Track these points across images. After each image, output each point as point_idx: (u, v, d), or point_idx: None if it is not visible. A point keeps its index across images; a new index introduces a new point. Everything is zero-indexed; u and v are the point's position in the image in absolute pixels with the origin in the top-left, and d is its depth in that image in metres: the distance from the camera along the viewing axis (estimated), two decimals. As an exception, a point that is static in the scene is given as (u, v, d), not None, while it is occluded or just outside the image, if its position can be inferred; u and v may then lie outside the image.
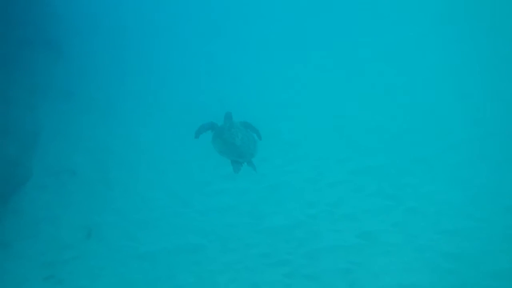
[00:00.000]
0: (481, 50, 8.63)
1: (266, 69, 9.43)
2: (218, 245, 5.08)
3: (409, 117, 7.00)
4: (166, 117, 8.22)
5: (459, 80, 7.82)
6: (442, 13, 10.15)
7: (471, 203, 5.07)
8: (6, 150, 6.49)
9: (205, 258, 4.93)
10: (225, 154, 4.99)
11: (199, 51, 10.93)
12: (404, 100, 7.52)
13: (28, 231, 5.48)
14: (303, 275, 4.54)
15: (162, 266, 4.88)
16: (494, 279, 4.16)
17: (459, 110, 7.05)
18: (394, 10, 10.90)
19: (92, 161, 6.79)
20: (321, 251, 4.77)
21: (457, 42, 9.04)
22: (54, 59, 10.03)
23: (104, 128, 7.67)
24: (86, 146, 7.13)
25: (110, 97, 8.78)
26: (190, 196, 5.91)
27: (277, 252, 4.88)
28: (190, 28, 12.23)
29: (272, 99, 8.34)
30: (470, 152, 6.03)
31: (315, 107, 7.89)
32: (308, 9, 12.00)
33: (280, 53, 10.13)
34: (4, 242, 5.35)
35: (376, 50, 9.41)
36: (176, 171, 6.50)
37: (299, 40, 10.53)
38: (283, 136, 7.15)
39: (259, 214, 5.45)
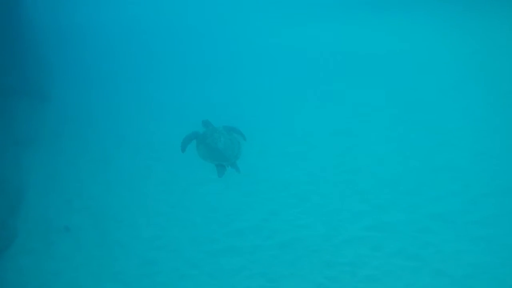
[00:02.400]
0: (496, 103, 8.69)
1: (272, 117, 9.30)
2: (231, 313, 4.66)
3: (425, 170, 6.80)
4: (165, 168, 7.87)
5: (476, 132, 7.74)
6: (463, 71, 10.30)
7: (501, 265, 4.79)
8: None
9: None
10: (209, 159, 5.13)
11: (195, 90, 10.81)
12: (419, 152, 7.35)
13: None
14: None
15: None
16: None
17: (477, 164, 6.90)
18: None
19: (87, 218, 6.33)
20: (346, 319, 4.41)
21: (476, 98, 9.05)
22: (41, 108, 9.65)
23: (99, 181, 7.25)
24: (79, 202, 6.68)
25: (105, 146, 8.41)
26: (197, 256, 5.47)
27: (297, 322, 4.49)
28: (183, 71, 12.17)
29: (277, 149, 8.10)
30: (491, 207, 5.80)
31: (324, 158, 7.66)
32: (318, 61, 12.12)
33: (284, 99, 10.10)
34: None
35: (390, 97, 9.37)
36: (179, 228, 6.08)
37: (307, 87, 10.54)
38: (291, 189, 6.85)
39: (273, 276, 5.04)
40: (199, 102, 9.99)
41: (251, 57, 12.77)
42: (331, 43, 13.46)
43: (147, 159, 8.15)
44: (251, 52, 13.04)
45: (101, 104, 10.33)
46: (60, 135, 8.94)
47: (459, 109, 8.56)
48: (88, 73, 11.65)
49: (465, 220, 5.60)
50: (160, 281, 5.11)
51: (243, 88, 10.65)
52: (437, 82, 9.40)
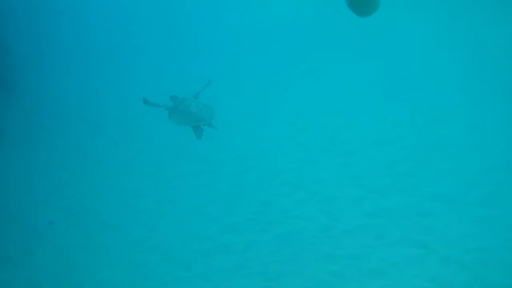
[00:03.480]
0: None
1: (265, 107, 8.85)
2: (230, 317, 4.36)
3: (420, 148, 6.54)
4: (148, 159, 7.42)
5: (469, 106, 7.49)
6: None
7: (508, 248, 4.60)
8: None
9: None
10: (185, 123, 5.31)
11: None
12: (412, 130, 7.08)
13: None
14: None
15: None
16: None
17: (472, 139, 6.68)
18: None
19: (67, 220, 5.85)
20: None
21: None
22: (5, 100, 8.96)
23: (78, 177, 6.76)
24: (57, 202, 6.19)
25: (81, 139, 7.86)
26: (190, 256, 5.09)
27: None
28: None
29: (264, 134, 7.73)
30: (491, 185, 5.59)
31: (314, 141, 7.34)
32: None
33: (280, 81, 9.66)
34: None
35: (376, 72, 9.02)
36: (167, 226, 5.69)
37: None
38: (283, 177, 6.52)
39: (273, 275, 4.72)
40: (181, 87, 9.43)
41: (227, 39, 12.19)
42: (309, 17, 12.95)
43: (128, 151, 7.68)
44: (228, 34, 12.45)
45: (73, 93, 9.71)
46: (29, 129, 8.35)
47: (449, 82, 8.33)
48: (56, 59, 10.89)
49: (466, 201, 5.38)
50: (151, 286, 4.74)
51: (223, 71, 10.15)
52: (424, 54, 9.11)
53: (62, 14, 12.31)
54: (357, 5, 2.50)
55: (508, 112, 7.15)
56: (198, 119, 5.28)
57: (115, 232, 5.69)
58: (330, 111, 8.19)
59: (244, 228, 5.47)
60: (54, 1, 12.83)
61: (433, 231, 4.96)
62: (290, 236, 5.24)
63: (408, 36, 9.63)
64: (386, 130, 7.18)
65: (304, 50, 10.36)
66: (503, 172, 5.81)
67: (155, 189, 6.60)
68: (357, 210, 5.50)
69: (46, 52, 11.02)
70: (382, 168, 6.29)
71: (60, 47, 11.19)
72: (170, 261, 5.06)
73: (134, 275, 4.94)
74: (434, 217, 5.19)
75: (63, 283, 4.91)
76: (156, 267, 5.00)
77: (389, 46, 9.46)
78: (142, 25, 13.03)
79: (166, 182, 6.78)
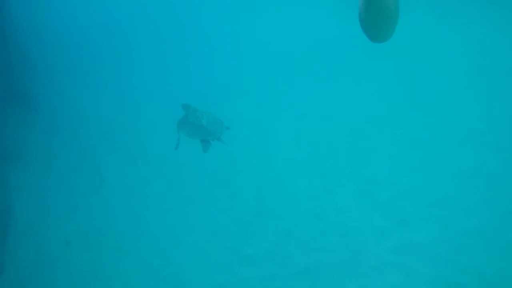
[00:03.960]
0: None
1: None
2: None
3: (450, 177, 6.18)
4: (163, 180, 7.24)
5: (500, 133, 7.10)
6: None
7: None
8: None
9: None
10: (194, 136, 5.27)
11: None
12: (440, 156, 6.72)
13: None
14: None
15: None
16: None
17: (507, 169, 6.30)
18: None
19: (82, 246, 5.69)
20: None
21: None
22: (29, 118, 8.94)
23: (94, 200, 6.61)
24: (73, 227, 6.04)
25: (99, 158, 7.74)
26: (206, 289, 4.88)
27: None
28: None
29: (283, 156, 7.48)
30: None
31: (336, 166, 7.05)
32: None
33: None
34: None
35: (397, 92, 8.68)
36: (184, 255, 5.47)
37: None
38: (304, 204, 6.26)
39: (294, 313, 4.45)
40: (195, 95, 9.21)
41: (248, 57, 12.05)
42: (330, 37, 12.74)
43: (144, 172, 7.51)
44: (249, 52, 12.32)
45: (93, 111, 9.61)
46: (50, 148, 8.25)
47: (476, 106, 7.93)
48: (78, 77, 10.90)
49: (504, 237, 5.02)
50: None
51: (242, 90, 9.97)
52: (456, 75, 8.69)
53: (87, 31, 12.41)
54: (372, 30, 2.26)
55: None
56: (208, 133, 5.24)
57: (130, 259, 5.51)
58: (352, 134, 7.89)
59: (263, 260, 5.23)
60: (78, 19, 12.97)
61: (467, 270, 4.62)
62: (312, 271, 4.97)
63: (436, 56, 9.29)
64: (413, 156, 6.84)
65: (325, 71, 10.13)
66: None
67: (171, 214, 6.40)
68: (383, 244, 5.19)
69: (70, 68, 11.05)
70: (409, 197, 5.96)
71: (85, 62, 11.23)
72: (185, 294, 4.84)
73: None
74: (468, 254, 4.85)
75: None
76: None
77: (416, 66, 9.14)
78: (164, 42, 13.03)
79: (183, 206, 6.58)
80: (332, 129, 8.25)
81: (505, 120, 7.23)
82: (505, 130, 7.02)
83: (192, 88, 10.39)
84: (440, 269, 4.68)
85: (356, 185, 6.55)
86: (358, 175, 6.81)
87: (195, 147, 8.19)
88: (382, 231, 5.41)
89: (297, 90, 9.80)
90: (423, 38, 10.88)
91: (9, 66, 9.51)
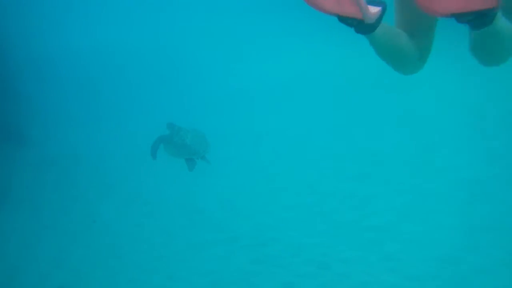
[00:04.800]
0: None
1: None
2: None
3: (463, 229, 5.84)
4: (158, 225, 6.88)
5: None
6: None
7: None
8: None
9: None
10: (178, 155, 5.29)
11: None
12: (455, 208, 6.37)
13: None
14: None
15: None
16: None
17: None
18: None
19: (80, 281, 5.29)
20: None
21: None
22: (18, 155, 8.62)
23: (82, 250, 6.23)
24: (61, 278, 5.64)
25: (90, 200, 7.40)
26: None
27: None
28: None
29: (282, 203, 7.17)
30: None
31: (340, 211, 6.72)
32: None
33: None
34: None
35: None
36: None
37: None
38: (305, 253, 5.92)
39: None
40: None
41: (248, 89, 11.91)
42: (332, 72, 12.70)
43: (138, 215, 7.16)
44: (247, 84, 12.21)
45: (86, 147, 9.33)
46: (39, 189, 7.92)
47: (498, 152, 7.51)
48: (72, 113, 10.64)
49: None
50: None
51: (239, 124, 9.74)
52: (465, 116, 8.44)
53: (82, 66, 12.28)
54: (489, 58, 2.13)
55: None
56: (192, 152, 5.23)
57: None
58: (356, 176, 7.62)
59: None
60: (73, 53, 12.87)
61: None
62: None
63: (444, 96, 9.10)
64: (421, 203, 6.55)
65: (327, 108, 9.96)
66: None
67: (165, 262, 6.03)
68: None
69: (64, 103, 10.81)
70: (418, 250, 5.63)
71: (79, 98, 11.00)
72: None
73: None
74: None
75: None
76: None
77: (423, 105, 8.97)
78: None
79: (178, 253, 6.22)
80: (334, 170, 8.00)
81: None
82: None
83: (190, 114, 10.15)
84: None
85: (360, 232, 6.24)
86: (362, 221, 6.51)
87: (191, 185, 7.89)
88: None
89: (298, 128, 9.59)
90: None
91: (1, 99, 9.27)
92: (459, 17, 1.45)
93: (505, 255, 5.22)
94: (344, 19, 1.59)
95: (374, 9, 1.63)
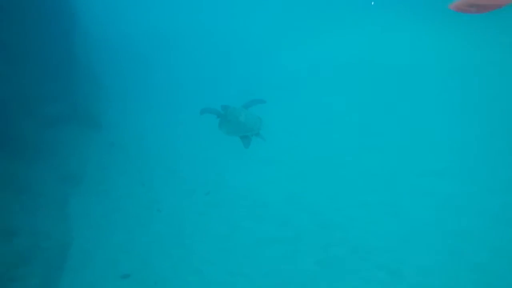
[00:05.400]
0: None
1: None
2: None
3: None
4: (222, 216, 6.75)
5: None
6: None
7: None
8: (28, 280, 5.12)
9: None
10: (233, 133, 5.35)
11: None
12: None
13: None
14: None
15: None
16: None
17: None
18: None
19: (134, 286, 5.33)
20: None
21: None
22: (90, 137, 8.87)
23: (148, 232, 6.26)
24: (126, 265, 5.71)
25: (156, 183, 7.44)
26: None
27: None
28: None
29: (358, 198, 6.70)
30: None
31: (416, 211, 6.13)
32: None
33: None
34: None
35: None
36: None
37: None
38: (378, 256, 5.45)
39: None
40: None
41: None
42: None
43: (202, 204, 7.07)
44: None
45: (154, 132, 9.45)
46: (109, 171, 8.11)
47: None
48: (145, 95, 10.81)
49: None
50: None
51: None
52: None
53: (150, 50, 12.44)
54: None
55: None
56: (247, 129, 5.34)
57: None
58: (435, 172, 6.95)
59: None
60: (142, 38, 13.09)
61: None
62: None
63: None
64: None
65: (399, 100, 9.19)
66: None
67: (228, 256, 5.88)
68: None
69: (136, 87, 11.04)
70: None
71: (152, 82, 11.16)
72: None
73: None
74: None
75: None
76: None
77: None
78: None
79: (241, 247, 6.04)
80: (411, 165, 7.34)
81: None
82: None
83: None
84: None
85: (441, 237, 5.64)
86: (444, 225, 5.89)
87: (254, 176, 7.66)
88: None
89: (370, 116, 8.96)
90: None
91: (73, 82, 9.58)
92: None
93: None
94: None
95: None
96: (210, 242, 6.15)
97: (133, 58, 11.96)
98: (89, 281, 5.50)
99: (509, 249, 5.36)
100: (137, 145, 8.89)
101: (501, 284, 4.81)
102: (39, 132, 7.98)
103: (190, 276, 5.59)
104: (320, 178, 7.31)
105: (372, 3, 13.18)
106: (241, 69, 11.32)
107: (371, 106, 8.88)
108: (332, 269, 5.46)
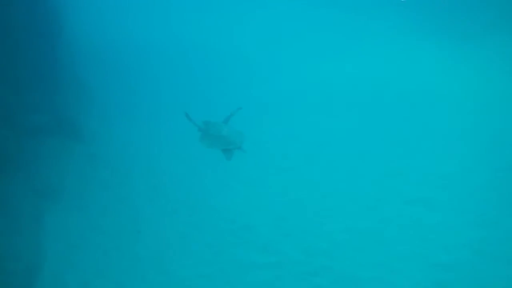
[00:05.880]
0: None
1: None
2: None
3: None
4: (204, 241, 6.54)
5: None
6: None
7: None
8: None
9: None
10: (215, 146, 5.47)
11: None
12: None
13: None
14: None
15: None
16: None
17: None
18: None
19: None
20: None
21: None
22: (71, 149, 8.57)
23: (124, 255, 6.01)
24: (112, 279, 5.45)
25: (137, 203, 7.20)
26: None
27: None
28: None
29: (345, 224, 6.56)
30: None
31: (402, 243, 6.01)
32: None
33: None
34: None
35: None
36: None
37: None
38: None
39: None
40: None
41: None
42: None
43: (184, 225, 6.85)
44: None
45: (139, 146, 9.19)
46: (88, 185, 7.83)
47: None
48: (128, 108, 10.55)
49: None
50: None
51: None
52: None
53: (145, 62, 12.17)
54: None
55: None
56: (229, 142, 5.45)
57: None
58: (421, 200, 6.87)
59: None
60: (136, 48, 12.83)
61: None
62: None
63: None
64: (502, 239, 5.70)
65: (392, 122, 9.11)
66: None
67: (210, 282, 5.68)
68: None
69: (119, 99, 10.77)
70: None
71: (139, 95, 10.89)
72: None
73: None
74: None
75: None
76: None
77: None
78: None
79: (223, 273, 5.85)
80: (398, 192, 7.25)
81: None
82: None
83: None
84: None
85: (428, 270, 5.53)
86: (430, 257, 5.78)
87: (240, 196, 7.48)
88: None
89: (360, 137, 8.86)
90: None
91: (60, 90, 9.30)
92: None
93: None
94: None
95: None
96: (192, 267, 5.94)
97: (120, 67, 11.70)
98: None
99: (494, 283, 5.28)
100: (119, 158, 8.64)
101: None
102: (18, 143, 7.70)
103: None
104: (306, 201, 7.15)
105: None
106: (235, 83, 11.16)
107: (361, 131, 8.79)
108: (316, 298, 5.30)
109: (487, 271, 5.47)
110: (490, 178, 7.07)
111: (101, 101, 10.51)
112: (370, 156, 7.96)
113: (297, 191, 7.32)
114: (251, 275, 5.76)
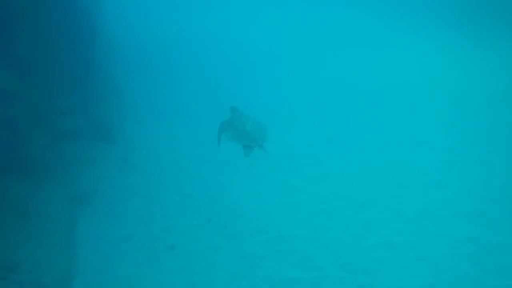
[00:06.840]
0: None
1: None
2: None
3: None
4: (236, 253, 6.29)
5: None
6: None
7: None
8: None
9: None
10: (236, 140, 5.11)
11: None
12: None
13: None
14: None
15: None
16: None
17: None
18: None
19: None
20: None
21: None
22: (104, 153, 8.50)
23: (156, 267, 5.83)
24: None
25: (168, 211, 7.03)
26: None
27: None
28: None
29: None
30: None
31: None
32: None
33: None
34: None
35: None
36: None
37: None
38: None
39: None
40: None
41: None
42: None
43: (218, 236, 6.58)
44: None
45: (172, 150, 9.04)
46: (121, 191, 7.74)
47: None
48: (164, 110, 10.42)
49: None
50: None
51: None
52: None
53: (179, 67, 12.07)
54: None
55: None
56: (250, 139, 5.05)
57: None
58: (472, 215, 6.36)
59: None
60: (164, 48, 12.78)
61: None
62: None
63: None
64: None
65: (425, 129, 8.61)
66: None
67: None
68: None
69: (150, 99, 10.70)
70: None
71: (165, 98, 10.79)
72: None
73: None
74: None
75: None
76: None
77: None
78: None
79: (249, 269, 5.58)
80: (445, 205, 6.76)
81: None
82: None
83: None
84: None
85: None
86: (487, 279, 5.30)
87: (275, 207, 7.20)
88: None
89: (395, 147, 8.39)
90: None
91: (93, 93, 9.27)
92: None
93: None
94: None
95: None
96: (224, 282, 5.69)
97: (154, 71, 11.65)
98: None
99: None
100: (152, 164, 8.52)
101: None
102: (51, 147, 7.66)
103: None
104: (346, 213, 6.78)
105: None
106: (268, 86, 10.89)
107: (405, 137, 8.31)
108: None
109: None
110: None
111: (134, 104, 10.48)
112: (414, 163, 7.50)
113: (335, 202, 6.96)
114: (287, 291, 5.46)
